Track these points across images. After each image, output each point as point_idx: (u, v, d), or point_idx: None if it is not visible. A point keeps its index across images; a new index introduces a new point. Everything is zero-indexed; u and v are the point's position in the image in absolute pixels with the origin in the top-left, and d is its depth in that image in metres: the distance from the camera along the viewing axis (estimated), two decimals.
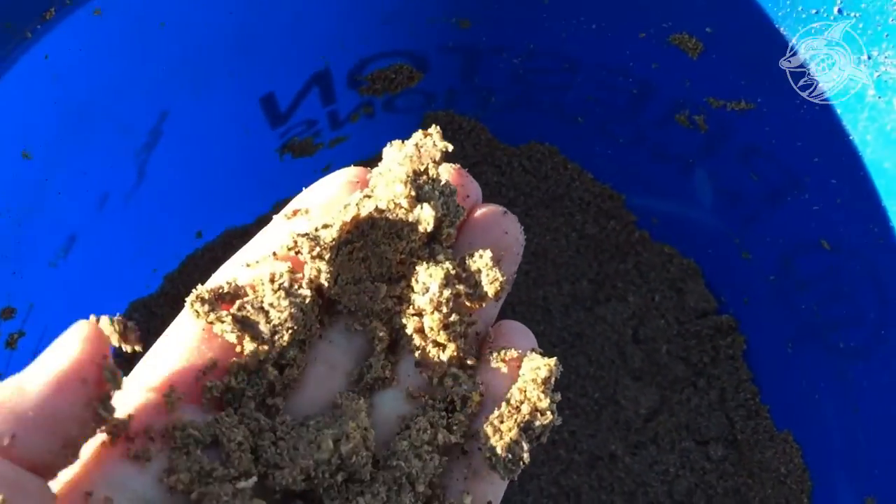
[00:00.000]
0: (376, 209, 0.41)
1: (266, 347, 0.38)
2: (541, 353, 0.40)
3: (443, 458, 0.39)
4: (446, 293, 0.40)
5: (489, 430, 0.38)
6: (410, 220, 0.41)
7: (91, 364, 0.30)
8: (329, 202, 0.42)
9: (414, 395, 0.41)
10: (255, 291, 0.39)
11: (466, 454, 0.40)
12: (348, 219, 0.40)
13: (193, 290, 0.38)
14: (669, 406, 0.81)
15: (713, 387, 0.81)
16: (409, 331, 0.41)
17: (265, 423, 0.37)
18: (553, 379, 0.39)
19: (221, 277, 0.40)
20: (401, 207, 0.41)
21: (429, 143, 0.43)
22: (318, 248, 0.40)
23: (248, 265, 0.40)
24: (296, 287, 0.39)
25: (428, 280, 0.40)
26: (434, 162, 0.42)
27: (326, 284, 0.40)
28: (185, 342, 0.38)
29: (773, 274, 0.75)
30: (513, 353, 0.41)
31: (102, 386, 0.30)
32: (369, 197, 0.41)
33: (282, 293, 0.39)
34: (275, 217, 0.42)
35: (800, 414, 0.76)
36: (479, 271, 0.40)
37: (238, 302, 0.38)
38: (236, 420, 0.37)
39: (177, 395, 0.36)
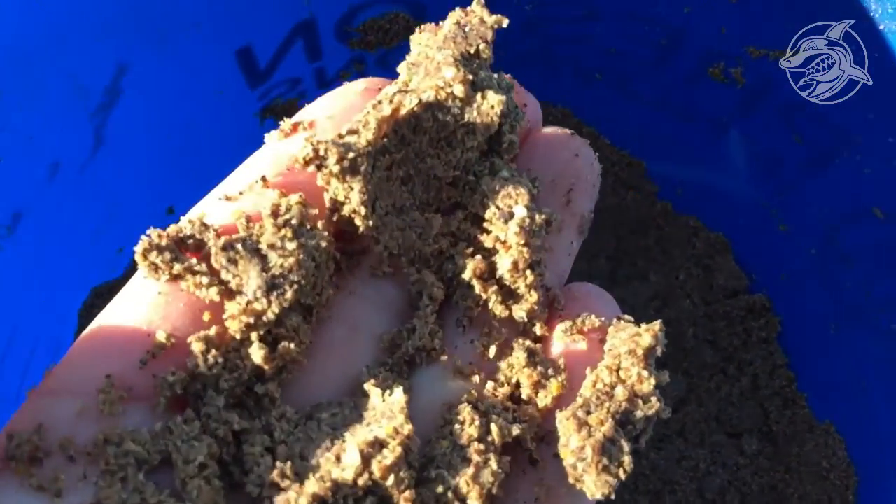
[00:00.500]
0: (420, 104, 0.31)
1: (257, 308, 0.28)
2: (631, 321, 0.31)
3: (503, 459, 0.29)
4: (539, 217, 0.31)
5: (571, 425, 0.28)
6: (466, 117, 0.32)
7: None
8: (343, 114, 0.32)
9: (464, 373, 0.31)
10: (247, 229, 0.29)
11: (537, 464, 0.30)
12: (387, 113, 0.30)
13: (143, 236, 0.29)
14: (697, 395, 0.74)
15: (745, 373, 0.75)
16: (466, 277, 0.32)
17: (245, 423, 0.28)
18: (658, 350, 0.29)
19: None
20: (454, 98, 0.32)
21: (474, 20, 0.33)
22: (350, 158, 0.29)
23: (227, 198, 0.31)
24: (308, 227, 0.30)
25: (508, 201, 0.31)
26: (486, 42, 0.33)
27: (362, 213, 0.30)
28: (134, 313, 0.28)
29: (815, 247, 0.69)
30: (594, 322, 0.32)
31: None
32: (405, 92, 0.32)
33: (288, 231, 0.29)
34: (266, 136, 0.33)
35: (842, 402, 0.70)
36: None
37: (223, 240, 0.29)
38: (198, 428, 0.27)
39: (116, 392, 0.27)
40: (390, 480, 0.26)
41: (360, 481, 0.26)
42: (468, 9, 0.34)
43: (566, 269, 0.34)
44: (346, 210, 0.31)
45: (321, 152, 0.29)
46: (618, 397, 0.28)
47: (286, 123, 0.32)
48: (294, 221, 0.29)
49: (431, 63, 0.32)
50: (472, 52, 0.33)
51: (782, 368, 0.74)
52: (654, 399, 0.28)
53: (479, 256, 0.31)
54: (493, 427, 0.29)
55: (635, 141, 0.77)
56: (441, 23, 0.34)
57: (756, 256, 0.76)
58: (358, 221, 0.31)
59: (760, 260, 0.76)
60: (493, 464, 0.28)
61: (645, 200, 0.78)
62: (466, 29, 0.33)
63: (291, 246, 0.29)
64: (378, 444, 0.26)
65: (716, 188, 0.75)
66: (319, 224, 0.30)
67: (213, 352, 0.28)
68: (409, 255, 0.32)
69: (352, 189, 0.30)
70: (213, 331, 0.28)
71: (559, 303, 0.33)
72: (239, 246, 0.29)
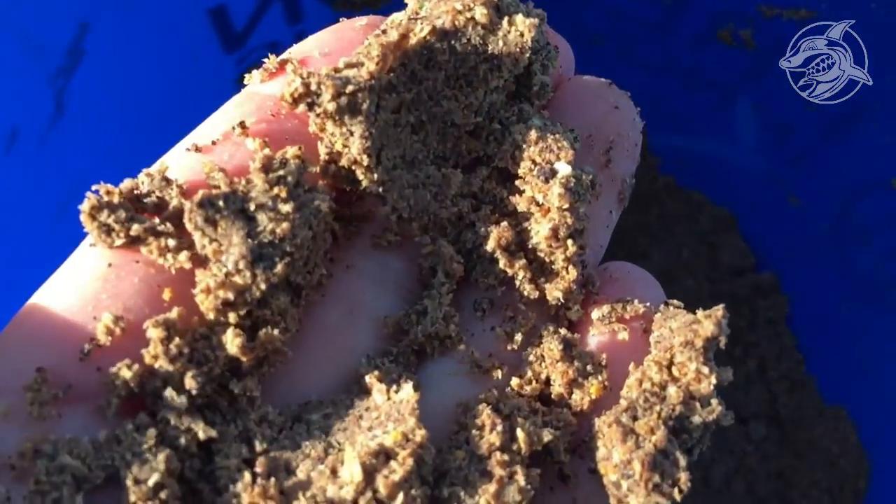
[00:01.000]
0: (433, 31, 0.27)
1: (238, 282, 0.23)
2: (681, 307, 0.27)
3: (532, 472, 0.24)
4: (585, 177, 0.27)
5: (614, 433, 0.24)
6: (490, 49, 0.27)
7: None
8: (341, 51, 0.28)
9: (483, 367, 0.27)
10: (230, 185, 0.24)
11: (568, 480, 0.25)
12: (394, 39, 0.26)
13: (89, 193, 0.24)
14: None
15: (752, 356, 0.73)
16: (489, 248, 0.27)
17: (212, 431, 0.23)
18: (722, 341, 0.25)
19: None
20: (475, 25, 0.27)
21: None
22: (349, 92, 0.25)
23: (196, 148, 0.26)
24: (304, 188, 0.25)
25: (548, 155, 0.27)
26: None
27: (365, 163, 0.26)
28: (75, 291, 0.24)
29: (828, 221, 0.66)
30: (637, 308, 0.27)
31: None
32: (416, 19, 0.27)
33: (283, 190, 0.24)
34: (246, 77, 0.28)
35: (854, 386, 0.68)
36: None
37: (200, 194, 0.24)
38: (153, 436, 0.22)
39: (49, 390, 0.22)
40: (399, 500, 0.22)
41: (362, 501, 0.21)
42: None
43: (603, 245, 0.30)
44: (344, 160, 0.26)
45: (313, 87, 0.25)
46: (670, 399, 0.24)
47: (271, 61, 0.27)
48: (290, 179, 0.24)
49: None
50: None
51: (791, 350, 0.72)
52: (714, 402, 0.24)
53: (504, 223, 0.27)
54: (520, 432, 0.24)
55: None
56: None
57: (764, 232, 0.74)
58: (360, 174, 0.26)
59: (769, 236, 0.73)
60: (520, 478, 0.23)
61: (646, 174, 0.76)
62: None
63: (286, 208, 0.24)
64: (383, 455, 0.22)
65: (722, 160, 0.72)
66: (320, 184, 0.25)
67: (176, 340, 0.23)
68: (422, 219, 0.27)
69: (351, 134, 0.25)
70: (175, 313, 0.24)
71: (594, 284, 0.28)
72: (220, 203, 0.24)
